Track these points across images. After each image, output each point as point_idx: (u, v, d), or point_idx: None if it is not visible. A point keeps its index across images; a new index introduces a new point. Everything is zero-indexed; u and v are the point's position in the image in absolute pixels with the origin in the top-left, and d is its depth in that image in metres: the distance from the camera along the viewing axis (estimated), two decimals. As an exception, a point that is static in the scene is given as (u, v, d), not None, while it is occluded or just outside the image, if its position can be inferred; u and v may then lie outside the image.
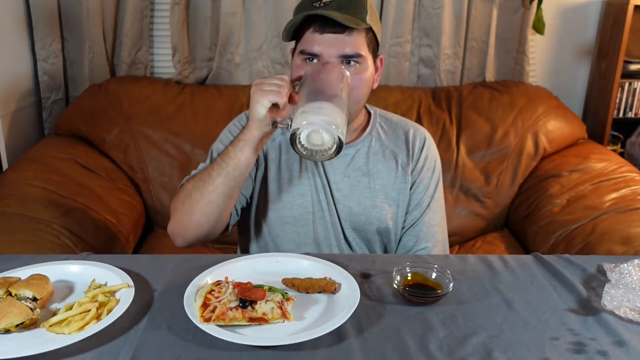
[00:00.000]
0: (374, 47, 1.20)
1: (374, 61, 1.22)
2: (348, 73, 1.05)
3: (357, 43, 1.13)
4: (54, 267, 0.95)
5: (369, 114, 1.32)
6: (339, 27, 1.10)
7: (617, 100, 2.42)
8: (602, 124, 2.44)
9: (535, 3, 2.26)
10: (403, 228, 1.28)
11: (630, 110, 2.47)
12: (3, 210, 1.48)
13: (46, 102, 2.16)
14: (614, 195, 1.74)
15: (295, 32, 1.19)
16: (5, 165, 1.87)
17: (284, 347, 0.77)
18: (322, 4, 1.12)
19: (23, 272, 0.92)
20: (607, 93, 2.40)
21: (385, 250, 1.30)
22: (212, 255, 1.13)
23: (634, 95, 2.45)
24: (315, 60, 1.14)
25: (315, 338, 0.76)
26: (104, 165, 1.92)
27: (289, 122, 0.94)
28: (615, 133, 2.56)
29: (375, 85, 1.24)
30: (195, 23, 2.21)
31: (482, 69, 2.36)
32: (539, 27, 2.32)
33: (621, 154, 2.49)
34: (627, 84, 2.41)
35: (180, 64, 2.21)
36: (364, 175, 1.25)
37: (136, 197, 1.94)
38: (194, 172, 1.21)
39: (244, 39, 2.24)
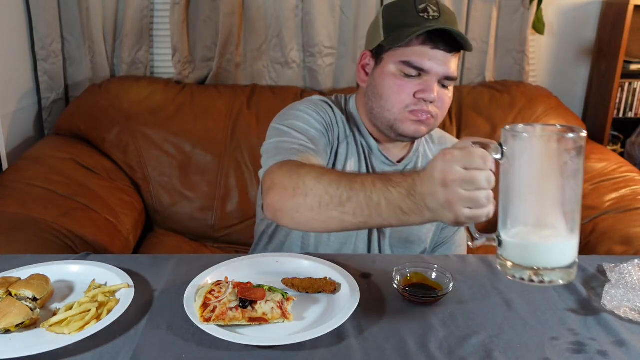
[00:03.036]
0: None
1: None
2: None
3: (455, 66, 1.11)
4: (54, 267, 0.95)
5: None
6: (448, 46, 1.07)
7: (617, 100, 2.42)
8: (602, 124, 2.44)
9: (535, 3, 2.26)
10: (437, 244, 1.28)
11: (630, 110, 2.47)
12: (3, 210, 1.48)
13: (46, 102, 2.16)
14: (614, 195, 1.74)
15: (389, 39, 1.10)
16: (5, 165, 1.87)
17: (284, 347, 0.77)
18: (430, 17, 1.07)
19: (23, 272, 0.92)
20: (607, 93, 2.40)
21: None
22: (212, 255, 1.13)
23: (634, 95, 2.45)
24: (414, 75, 1.08)
25: (315, 338, 0.76)
26: (104, 165, 1.92)
27: (499, 239, 0.75)
28: (615, 133, 2.56)
29: None
30: (195, 23, 2.21)
31: (482, 69, 2.35)
32: (539, 27, 2.32)
33: (621, 154, 2.49)
34: (627, 84, 2.41)
35: (180, 64, 2.21)
36: None
37: (136, 197, 1.94)
38: (288, 144, 1.06)
39: (244, 39, 2.24)
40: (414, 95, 1.09)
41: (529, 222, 0.72)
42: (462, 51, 1.12)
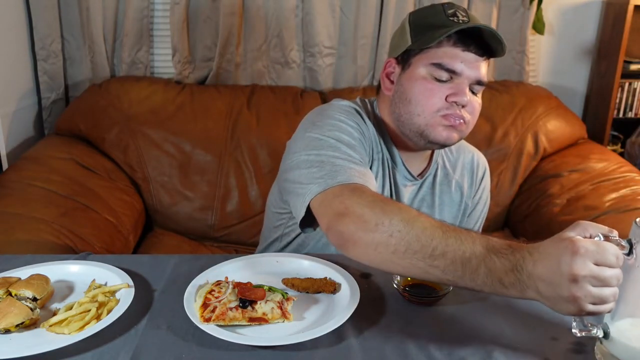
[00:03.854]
0: None
1: None
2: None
3: (486, 71, 1.07)
4: (54, 267, 0.95)
5: None
6: (479, 49, 1.04)
7: (617, 100, 2.42)
8: (602, 124, 2.44)
9: (535, 3, 2.26)
10: None
11: (630, 110, 2.47)
12: (3, 210, 1.48)
13: (46, 102, 2.16)
14: (614, 195, 1.74)
15: (419, 42, 1.06)
16: (5, 165, 1.87)
17: (284, 347, 0.77)
18: (459, 21, 1.03)
19: (23, 272, 0.92)
20: (607, 93, 2.40)
21: None
22: (212, 255, 1.13)
23: (634, 95, 2.45)
24: (445, 77, 1.04)
25: (315, 338, 0.76)
26: (104, 165, 1.92)
27: (605, 331, 0.73)
28: (615, 133, 2.56)
29: None
30: (195, 23, 2.21)
31: (482, 69, 2.35)
32: (539, 27, 2.33)
33: (621, 154, 2.49)
34: (627, 84, 2.41)
35: (180, 64, 2.21)
36: (428, 207, 1.19)
37: (136, 197, 1.94)
38: (344, 163, 0.97)
39: (244, 39, 2.24)
40: (445, 99, 1.04)
41: None
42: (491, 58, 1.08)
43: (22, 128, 2.08)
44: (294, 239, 1.19)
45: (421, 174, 1.19)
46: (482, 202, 1.27)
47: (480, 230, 1.28)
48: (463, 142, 1.27)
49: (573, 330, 0.73)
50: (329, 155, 0.98)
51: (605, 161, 1.95)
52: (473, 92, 1.07)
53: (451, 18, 1.04)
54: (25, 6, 2.08)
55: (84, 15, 2.11)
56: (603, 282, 0.67)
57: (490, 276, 0.73)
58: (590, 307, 0.68)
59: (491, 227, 2.08)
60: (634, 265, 0.68)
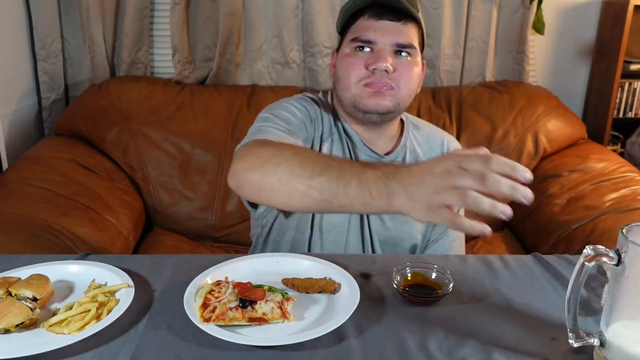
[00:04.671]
0: (422, 42, 1.17)
1: (422, 57, 1.18)
2: None
3: (411, 34, 1.12)
4: (54, 267, 0.95)
5: (402, 121, 1.28)
6: (394, 16, 1.09)
7: (617, 100, 2.42)
8: (602, 124, 2.44)
9: (535, 3, 2.26)
10: (430, 240, 1.27)
11: (630, 110, 2.47)
12: (3, 210, 1.48)
13: (46, 102, 2.16)
14: (614, 195, 1.74)
15: (346, 23, 1.16)
16: (5, 165, 1.87)
17: (284, 347, 0.77)
18: None
19: (23, 272, 0.92)
20: (607, 93, 2.40)
21: None
22: (212, 255, 1.13)
23: (634, 95, 2.45)
24: (367, 50, 1.10)
25: (315, 338, 0.76)
26: (104, 165, 1.92)
27: (601, 339, 0.73)
28: (615, 133, 2.56)
29: (418, 89, 1.21)
30: (195, 23, 2.21)
31: (482, 69, 2.36)
32: (539, 27, 2.33)
33: (621, 154, 2.49)
34: (627, 84, 2.41)
35: (180, 64, 2.21)
36: None
37: (136, 197, 1.94)
38: (267, 127, 1.08)
39: (244, 39, 2.24)
40: (367, 68, 1.10)
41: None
42: (418, 23, 1.13)
43: (22, 128, 2.08)
44: (270, 229, 1.23)
45: (388, 153, 1.22)
46: None
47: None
48: (433, 128, 1.30)
49: (570, 341, 0.74)
50: (263, 124, 1.09)
51: (605, 161, 1.95)
52: (402, 55, 1.11)
53: None
54: (25, 6, 2.08)
55: (84, 15, 2.11)
56: (471, 174, 0.69)
57: (360, 188, 0.77)
58: (453, 199, 0.70)
59: (491, 227, 2.07)
60: (623, 274, 0.68)
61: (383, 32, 1.10)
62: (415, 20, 1.13)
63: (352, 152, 1.20)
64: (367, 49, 1.11)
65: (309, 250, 1.21)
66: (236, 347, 0.76)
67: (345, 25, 1.17)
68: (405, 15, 1.11)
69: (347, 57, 1.13)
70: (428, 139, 1.27)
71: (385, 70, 1.09)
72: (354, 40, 1.12)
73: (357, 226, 1.21)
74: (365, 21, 1.11)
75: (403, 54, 1.11)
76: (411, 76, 1.13)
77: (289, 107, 1.16)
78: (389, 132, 1.22)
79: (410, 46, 1.11)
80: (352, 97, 1.13)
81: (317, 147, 1.18)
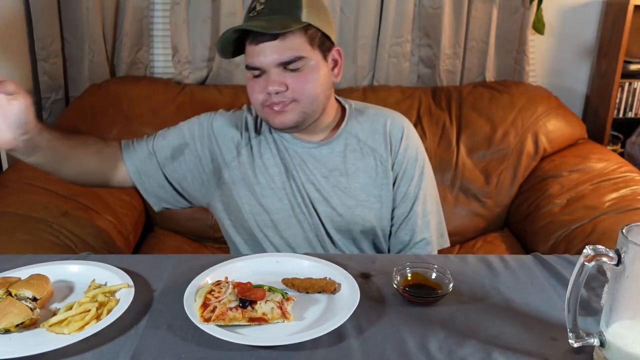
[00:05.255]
0: (322, 42, 1.15)
1: (326, 56, 1.17)
2: None
3: (294, 45, 1.09)
4: (54, 267, 0.95)
5: (343, 108, 1.29)
6: (271, 36, 1.08)
7: (617, 100, 2.42)
8: (602, 124, 2.44)
9: (535, 3, 2.26)
10: (394, 225, 1.26)
11: (630, 110, 2.47)
12: (3, 210, 1.48)
13: (46, 102, 2.16)
14: (614, 195, 1.74)
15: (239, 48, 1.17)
16: (5, 165, 1.87)
17: (284, 347, 0.77)
18: (255, 13, 1.10)
19: (23, 272, 0.92)
20: (607, 93, 2.40)
21: (377, 249, 1.29)
22: (212, 255, 1.13)
23: (634, 95, 2.45)
24: (257, 74, 1.12)
25: (315, 338, 0.76)
26: (104, 165, 1.92)
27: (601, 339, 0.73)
28: (615, 133, 2.56)
29: (338, 79, 1.21)
30: (195, 23, 2.21)
31: (482, 69, 2.36)
32: (539, 27, 2.33)
33: (621, 154, 2.49)
34: (627, 84, 2.41)
35: (180, 64, 2.21)
36: (342, 175, 1.22)
37: (136, 197, 1.94)
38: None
39: (244, 39, 2.24)
40: (265, 92, 1.12)
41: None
42: (303, 26, 1.10)
43: (22, 128, 2.08)
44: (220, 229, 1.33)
45: (325, 139, 1.24)
46: (410, 160, 1.25)
47: (428, 194, 1.28)
48: (378, 110, 1.31)
49: (570, 341, 0.74)
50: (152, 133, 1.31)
51: (605, 161, 1.95)
52: (292, 70, 1.11)
53: (250, 14, 1.12)
54: (25, 6, 2.08)
55: (84, 15, 2.11)
56: None
57: None
58: None
59: (491, 227, 2.08)
60: (623, 274, 0.68)
61: (264, 55, 1.09)
62: (300, 25, 1.10)
63: (284, 147, 1.23)
64: (258, 73, 1.12)
65: (264, 249, 1.24)
66: (236, 347, 0.76)
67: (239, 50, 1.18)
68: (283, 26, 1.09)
69: (249, 81, 1.15)
70: (372, 122, 1.27)
71: (279, 91, 1.11)
72: (247, 68, 1.14)
73: (304, 218, 1.22)
74: (249, 47, 1.12)
75: (293, 66, 1.11)
76: (309, 83, 1.13)
77: (182, 125, 1.29)
78: (321, 124, 1.23)
79: (295, 59, 1.10)
80: (262, 117, 1.20)
81: (242, 147, 1.25)
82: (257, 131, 1.26)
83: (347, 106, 1.29)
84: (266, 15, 1.09)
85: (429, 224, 1.26)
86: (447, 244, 1.32)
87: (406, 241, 1.26)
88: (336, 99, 1.29)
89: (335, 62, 1.20)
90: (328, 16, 1.18)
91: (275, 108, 1.13)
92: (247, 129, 1.27)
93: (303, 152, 1.23)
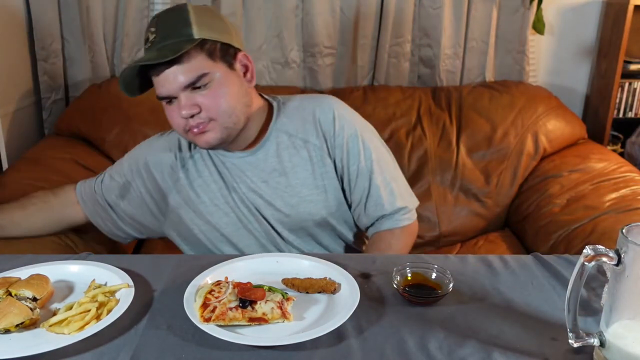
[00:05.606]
0: (224, 52, 1.14)
1: (231, 64, 1.15)
2: None
3: (194, 65, 1.08)
4: (54, 267, 0.95)
5: (271, 106, 1.27)
6: (167, 64, 1.08)
7: (617, 100, 2.42)
8: (602, 124, 2.44)
9: (535, 3, 2.26)
10: (359, 204, 1.23)
11: (630, 110, 2.47)
12: (3, 210, 1.47)
13: (46, 102, 2.16)
14: (614, 195, 1.74)
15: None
16: (5, 165, 1.87)
17: (284, 347, 0.77)
18: (149, 44, 1.11)
19: (23, 272, 0.92)
20: (607, 93, 2.40)
21: (342, 239, 1.27)
22: (212, 255, 1.13)
23: (634, 95, 2.45)
24: (174, 102, 1.12)
25: (315, 338, 0.76)
26: (104, 165, 1.90)
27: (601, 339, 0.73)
28: (615, 133, 2.56)
29: (252, 84, 1.20)
30: (195, 23, 2.21)
31: (482, 69, 2.36)
32: (539, 27, 2.33)
33: (621, 154, 2.49)
34: (627, 84, 2.41)
35: (180, 64, 2.21)
36: (281, 176, 1.21)
37: (136, 197, 1.94)
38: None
39: (244, 39, 2.24)
40: (181, 117, 1.12)
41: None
42: (196, 43, 1.08)
43: (22, 128, 2.08)
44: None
45: (256, 142, 1.23)
46: (350, 138, 1.22)
47: (383, 163, 1.25)
48: (304, 99, 1.28)
49: (570, 341, 0.74)
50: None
51: (605, 161, 1.95)
52: (198, 89, 1.10)
53: (146, 46, 1.12)
54: (25, 6, 2.08)
55: (84, 15, 2.11)
56: None
57: None
58: None
59: (491, 226, 2.08)
60: (623, 274, 0.68)
61: (168, 82, 1.09)
62: (193, 44, 1.08)
63: (220, 161, 1.24)
64: (171, 100, 1.12)
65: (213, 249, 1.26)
66: (236, 347, 0.76)
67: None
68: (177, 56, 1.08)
69: (165, 110, 1.15)
70: (300, 113, 1.24)
71: (193, 114, 1.11)
72: (158, 98, 1.14)
73: (255, 227, 1.22)
74: (153, 79, 1.12)
75: (198, 85, 1.10)
76: (221, 98, 1.12)
77: (121, 165, 1.33)
78: (250, 131, 1.22)
79: (199, 77, 1.09)
80: (188, 140, 1.20)
81: (179, 170, 1.25)
82: (192, 150, 1.26)
83: (274, 104, 1.27)
84: (158, 44, 1.08)
85: (393, 191, 1.23)
86: (417, 201, 1.30)
87: (376, 216, 1.23)
88: (263, 97, 1.27)
89: (246, 67, 1.19)
90: (224, 24, 1.16)
91: (195, 130, 1.13)
92: (180, 150, 1.27)
93: (239, 163, 1.23)
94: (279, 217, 1.22)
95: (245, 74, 1.19)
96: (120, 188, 1.29)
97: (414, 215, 1.28)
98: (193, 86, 1.09)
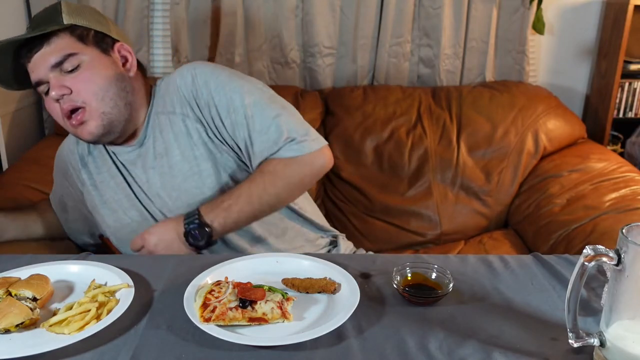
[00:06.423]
0: (98, 39, 1.15)
1: (106, 51, 1.16)
2: None
3: (61, 45, 1.10)
4: (54, 267, 0.95)
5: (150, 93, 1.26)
6: (33, 46, 1.09)
7: (617, 100, 2.42)
8: (602, 124, 2.44)
9: (535, 3, 2.26)
10: (251, 143, 1.17)
11: (630, 110, 2.47)
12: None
13: (46, 102, 2.15)
14: (614, 195, 1.74)
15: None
16: (5, 165, 1.87)
17: (284, 347, 0.77)
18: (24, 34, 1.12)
19: (23, 272, 0.92)
20: (607, 93, 2.40)
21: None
22: (212, 255, 1.13)
23: (634, 95, 2.45)
24: (48, 90, 1.11)
25: (315, 338, 0.76)
26: (104, 165, 1.91)
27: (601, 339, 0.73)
28: (615, 133, 2.56)
29: (131, 73, 1.19)
30: (195, 23, 2.21)
31: (482, 69, 2.36)
32: (539, 27, 2.33)
33: (621, 154, 2.49)
34: (627, 84, 2.41)
35: (180, 64, 2.21)
36: (163, 157, 1.19)
37: (136, 197, 1.94)
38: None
39: (244, 39, 2.24)
40: (57, 102, 1.11)
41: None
42: (65, 27, 1.11)
43: (22, 128, 2.08)
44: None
45: (135, 136, 1.22)
46: (216, 90, 1.16)
47: (257, 96, 1.18)
48: (171, 74, 1.25)
49: (570, 341, 0.74)
50: None
51: (605, 161, 1.95)
52: (66, 70, 1.10)
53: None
54: (25, 6, 2.08)
55: (84, 15, 2.11)
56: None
57: None
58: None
59: (493, 225, 2.08)
60: (623, 274, 0.69)
61: (37, 65, 1.10)
62: (59, 28, 1.10)
63: (117, 158, 1.24)
64: (43, 89, 1.12)
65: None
66: (236, 347, 0.76)
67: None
68: (42, 37, 1.09)
69: (45, 104, 1.15)
70: (166, 88, 1.23)
71: (63, 94, 1.10)
72: (34, 89, 1.14)
73: (158, 218, 1.21)
74: (28, 68, 1.12)
75: (67, 66, 1.10)
76: (91, 79, 1.12)
77: (54, 177, 1.36)
78: (137, 122, 1.22)
79: (65, 57, 1.10)
80: (74, 135, 1.19)
81: (82, 172, 1.27)
82: (90, 146, 1.27)
83: (152, 89, 1.26)
84: (32, 30, 1.10)
85: (279, 127, 1.15)
86: (314, 131, 1.20)
87: (266, 156, 1.16)
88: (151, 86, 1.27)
89: (125, 58, 1.20)
90: (101, 18, 1.20)
91: (74, 122, 1.12)
92: (79, 146, 1.29)
93: (130, 157, 1.22)
94: (175, 201, 1.17)
95: (124, 64, 1.19)
96: (60, 202, 1.36)
97: (309, 146, 1.16)
98: (61, 66, 1.10)
